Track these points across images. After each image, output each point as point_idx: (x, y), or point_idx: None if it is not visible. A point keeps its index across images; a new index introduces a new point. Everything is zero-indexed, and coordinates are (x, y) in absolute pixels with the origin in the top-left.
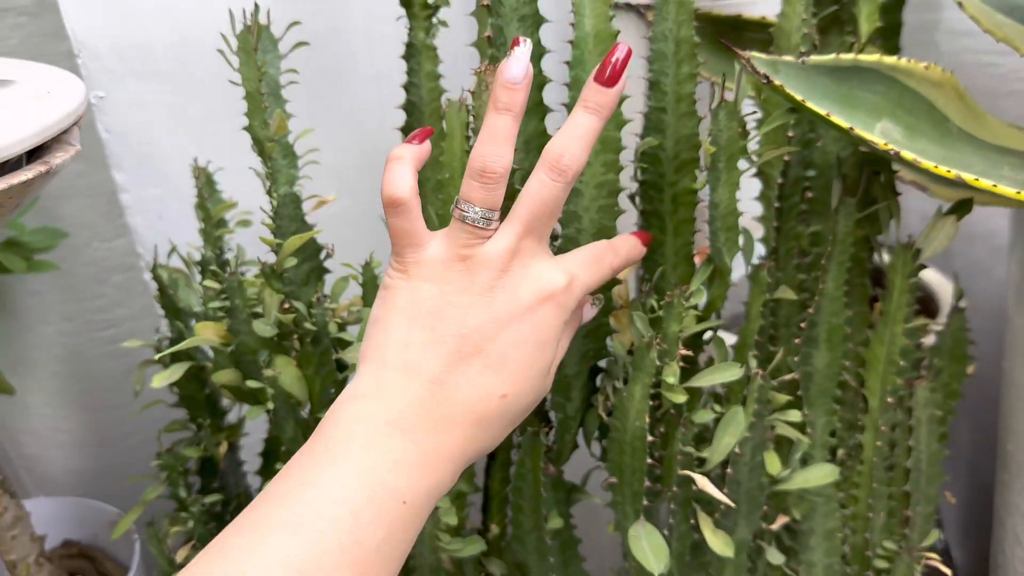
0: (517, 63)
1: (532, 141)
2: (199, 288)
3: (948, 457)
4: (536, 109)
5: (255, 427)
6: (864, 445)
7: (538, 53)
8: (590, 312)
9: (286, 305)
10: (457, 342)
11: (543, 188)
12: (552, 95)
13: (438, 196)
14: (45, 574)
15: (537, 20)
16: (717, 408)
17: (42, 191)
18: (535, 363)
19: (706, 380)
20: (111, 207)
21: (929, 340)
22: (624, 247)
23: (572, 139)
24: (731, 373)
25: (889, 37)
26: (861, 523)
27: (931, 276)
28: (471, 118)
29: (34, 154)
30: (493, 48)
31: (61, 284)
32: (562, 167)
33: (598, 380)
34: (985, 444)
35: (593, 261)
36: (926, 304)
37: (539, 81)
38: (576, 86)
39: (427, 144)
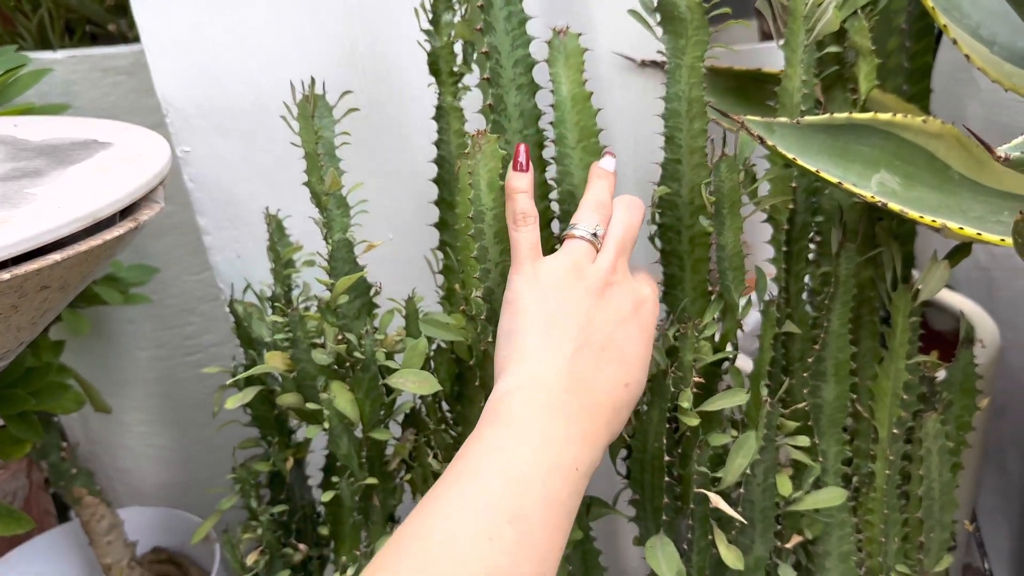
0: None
1: (535, 191)
2: (269, 321)
3: (999, 487)
4: (537, 164)
5: (322, 443)
6: (875, 473)
7: (535, 115)
8: None
9: (340, 337)
10: (584, 339)
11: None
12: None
13: (456, 242)
14: None
15: (533, 87)
16: (733, 432)
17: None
18: (644, 356)
19: (716, 405)
20: (198, 244)
21: (941, 375)
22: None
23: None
24: (738, 399)
25: (919, 80)
26: (876, 547)
27: (972, 310)
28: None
29: (126, 210)
30: (495, 114)
31: (154, 313)
32: (637, 205)
33: None
34: None
35: (651, 278)
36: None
37: (537, 139)
38: (561, 142)
39: (531, 168)
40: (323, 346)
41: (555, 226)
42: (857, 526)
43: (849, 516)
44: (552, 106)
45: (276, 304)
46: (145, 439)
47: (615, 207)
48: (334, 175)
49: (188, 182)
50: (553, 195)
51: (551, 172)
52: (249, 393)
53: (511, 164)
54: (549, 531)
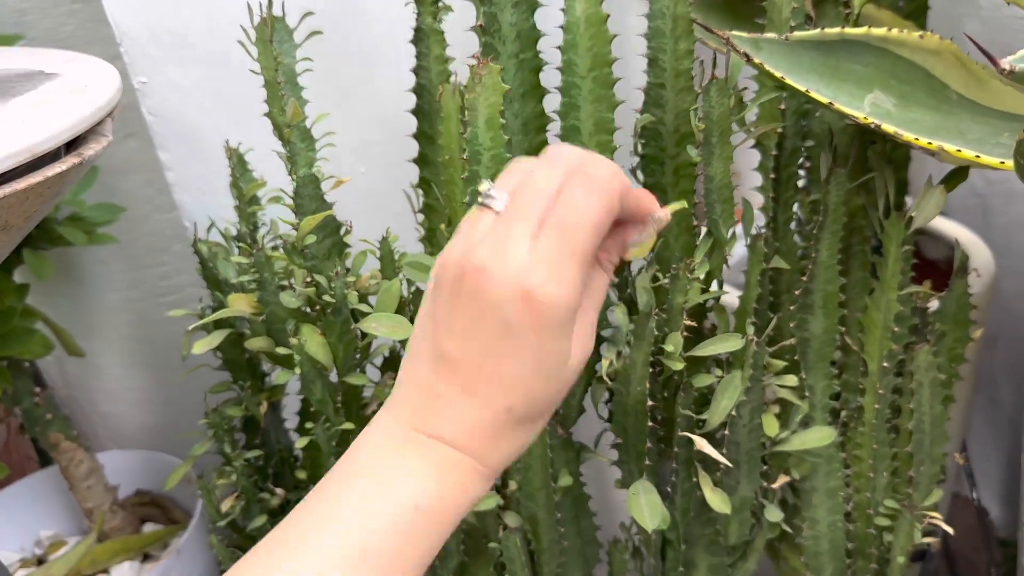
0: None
1: (530, 123)
2: (235, 261)
3: (990, 417)
4: (533, 92)
5: (297, 387)
6: (864, 408)
7: (534, 37)
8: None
9: (308, 279)
10: (451, 360)
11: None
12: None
13: (440, 178)
14: (118, 520)
15: (531, 4)
16: (718, 372)
17: (99, 169)
18: (531, 374)
19: (708, 350)
20: (166, 182)
21: (933, 305)
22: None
23: None
24: (732, 344)
25: None
26: (864, 482)
27: (967, 238)
28: (463, 103)
29: (72, 144)
30: (487, 35)
31: (125, 254)
32: (600, 187)
33: (602, 348)
34: None
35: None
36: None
37: (535, 64)
38: (569, 70)
39: None
40: (292, 288)
41: None
42: (845, 461)
43: (837, 452)
44: (561, 28)
45: (241, 244)
46: (123, 382)
47: (570, 179)
48: (295, 105)
49: (147, 115)
50: (554, 129)
51: (552, 103)
52: (217, 337)
53: None
54: None
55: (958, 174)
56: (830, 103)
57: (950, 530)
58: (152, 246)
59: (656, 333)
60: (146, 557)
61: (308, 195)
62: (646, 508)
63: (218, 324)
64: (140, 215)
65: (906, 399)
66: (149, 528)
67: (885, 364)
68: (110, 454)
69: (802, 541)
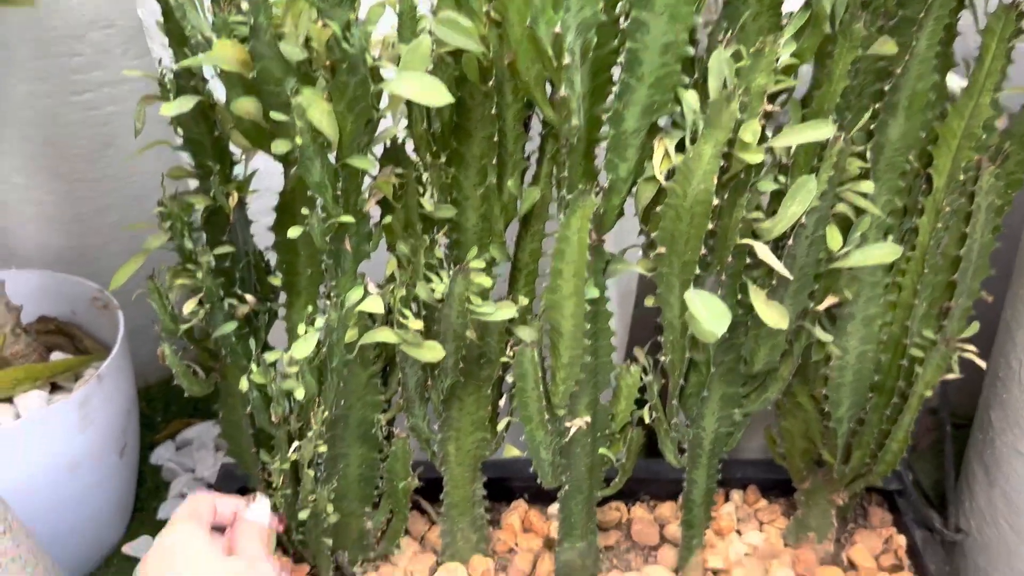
0: None
1: None
2: (211, 11)
3: None
4: None
5: (264, 182)
6: (920, 228)
7: None
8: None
9: (320, 22)
10: None
11: None
12: None
13: None
14: (22, 345)
15: None
16: (781, 179)
17: None
18: None
19: (793, 139)
20: None
21: (1002, 124)
22: None
23: None
24: (822, 131)
25: None
26: (902, 312)
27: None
28: None
29: None
30: None
31: (33, 37)
32: None
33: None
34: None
35: None
36: None
37: None
38: None
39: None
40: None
41: None
42: (886, 287)
43: (883, 276)
44: None
45: None
46: (23, 193)
47: None
48: None
49: None
50: None
51: None
52: (187, 102)
53: None
54: None
55: None
56: None
57: (983, 364)
58: (65, 31)
59: (738, 118)
60: (54, 388)
61: None
62: (706, 311)
63: (181, 91)
64: None
65: (959, 224)
66: (58, 357)
67: (961, 177)
68: (7, 273)
69: (826, 372)
